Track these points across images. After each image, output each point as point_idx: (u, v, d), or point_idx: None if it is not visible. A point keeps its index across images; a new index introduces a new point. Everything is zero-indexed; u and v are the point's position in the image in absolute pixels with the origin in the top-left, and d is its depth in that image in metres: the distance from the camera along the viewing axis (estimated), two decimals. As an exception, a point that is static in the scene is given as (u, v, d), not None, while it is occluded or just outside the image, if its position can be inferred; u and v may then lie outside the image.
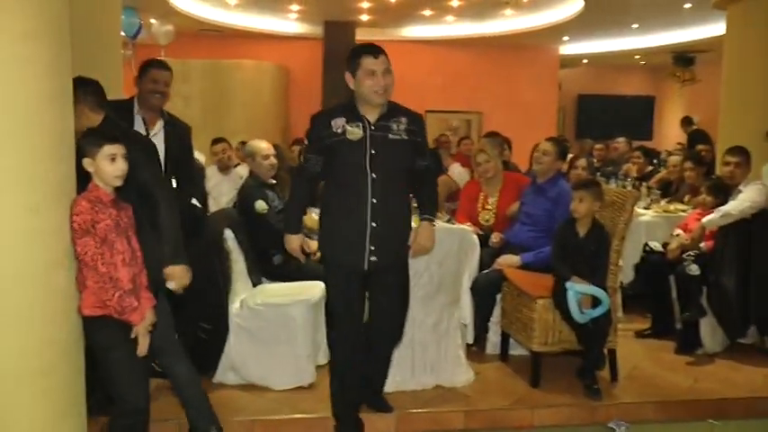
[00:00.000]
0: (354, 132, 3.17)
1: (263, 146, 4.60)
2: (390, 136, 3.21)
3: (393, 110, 3.27)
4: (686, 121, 12.27)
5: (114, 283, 2.69)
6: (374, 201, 3.20)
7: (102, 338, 2.79)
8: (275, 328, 3.87)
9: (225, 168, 6.69)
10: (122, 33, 9.17)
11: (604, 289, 3.85)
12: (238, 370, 3.94)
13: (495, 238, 4.83)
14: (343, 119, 3.20)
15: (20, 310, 2.55)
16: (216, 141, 6.82)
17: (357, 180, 3.21)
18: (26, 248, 2.55)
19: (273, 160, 4.60)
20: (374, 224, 3.20)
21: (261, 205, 4.39)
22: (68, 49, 2.76)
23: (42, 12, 2.55)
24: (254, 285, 4.22)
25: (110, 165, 2.75)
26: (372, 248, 3.21)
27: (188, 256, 3.04)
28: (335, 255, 3.31)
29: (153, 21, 9.70)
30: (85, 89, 3.15)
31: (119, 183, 2.79)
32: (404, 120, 3.25)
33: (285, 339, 3.86)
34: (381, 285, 3.34)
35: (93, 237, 2.66)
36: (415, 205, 3.59)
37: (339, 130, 3.19)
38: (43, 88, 2.57)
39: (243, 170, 6.26)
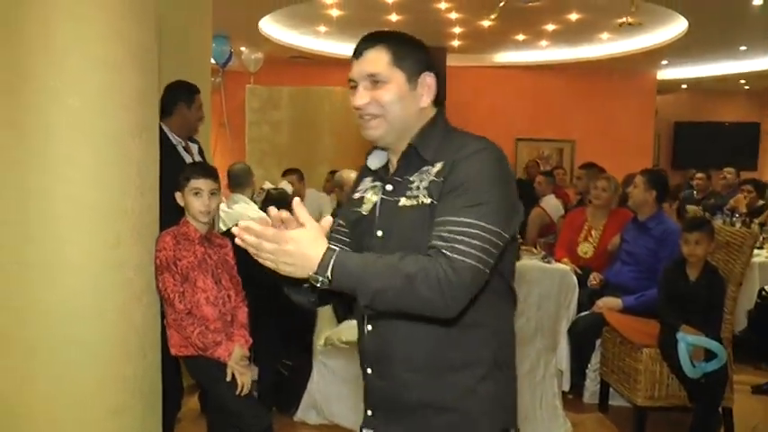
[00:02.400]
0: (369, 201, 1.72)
1: (353, 176, 4.46)
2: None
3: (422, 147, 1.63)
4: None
5: (194, 319, 2.62)
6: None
7: (202, 378, 2.82)
8: (359, 367, 3.68)
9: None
10: (213, 61, 9.37)
11: (719, 340, 3.50)
12: (321, 409, 3.79)
13: (594, 279, 4.52)
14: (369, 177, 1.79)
15: (97, 346, 2.48)
16: (287, 172, 6.65)
17: None
18: (105, 283, 2.47)
19: None
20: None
21: None
22: (156, 80, 2.70)
23: (131, 42, 2.48)
24: (340, 322, 4.06)
25: (195, 200, 2.69)
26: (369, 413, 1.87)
27: (271, 291, 2.92)
28: None
29: (243, 48, 9.83)
30: None
31: (204, 219, 2.74)
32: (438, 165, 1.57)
33: (352, 381, 3.68)
34: None
35: (172, 274, 2.59)
36: None
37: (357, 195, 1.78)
38: (130, 119, 2.50)
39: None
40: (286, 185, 5.38)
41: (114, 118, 2.44)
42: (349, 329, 3.90)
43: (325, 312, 3.97)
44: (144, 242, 2.59)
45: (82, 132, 2.37)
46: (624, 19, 6.37)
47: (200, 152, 3.73)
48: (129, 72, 2.46)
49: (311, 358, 3.79)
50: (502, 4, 5.26)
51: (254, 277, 3.00)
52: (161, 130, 3.48)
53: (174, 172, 2.83)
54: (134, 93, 2.50)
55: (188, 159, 3.56)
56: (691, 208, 6.81)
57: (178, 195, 2.73)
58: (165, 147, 3.45)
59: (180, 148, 3.55)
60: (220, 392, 2.76)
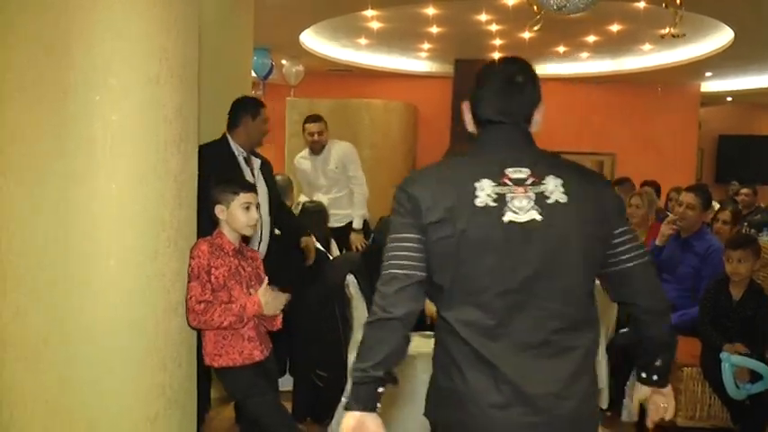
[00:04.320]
0: None
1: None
2: None
3: None
4: None
5: (211, 305, 2.61)
6: None
7: (235, 389, 2.82)
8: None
9: None
10: (253, 74, 9.48)
11: (765, 361, 3.41)
12: None
13: None
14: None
15: (134, 356, 2.51)
16: None
17: None
18: (143, 294, 2.50)
19: None
20: None
21: None
22: (195, 94, 2.74)
23: (172, 57, 2.52)
24: None
25: (244, 214, 2.72)
26: None
27: (308, 301, 2.95)
28: None
29: (284, 61, 9.93)
30: None
31: (250, 232, 2.80)
32: None
33: (406, 395, 3.65)
34: None
35: (202, 283, 2.61)
36: None
37: None
38: (170, 132, 2.54)
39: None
40: (322, 198, 5.42)
41: (154, 132, 2.48)
42: None
43: (361, 324, 3.97)
44: (181, 254, 2.62)
45: (122, 146, 2.42)
46: (667, 30, 6.27)
47: (263, 166, 3.81)
48: (169, 87, 2.51)
49: (345, 370, 3.79)
50: (539, 16, 5.22)
51: (290, 290, 3.04)
52: (226, 140, 3.66)
53: None
54: (174, 107, 2.54)
55: (246, 171, 3.65)
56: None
57: (218, 208, 2.75)
58: (226, 156, 3.60)
59: (240, 159, 3.66)
60: (253, 406, 2.77)
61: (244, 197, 2.75)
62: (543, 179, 1.67)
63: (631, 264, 1.74)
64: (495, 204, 1.64)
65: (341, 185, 5.58)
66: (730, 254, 3.59)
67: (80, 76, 2.38)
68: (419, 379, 3.62)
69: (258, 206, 2.84)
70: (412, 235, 1.68)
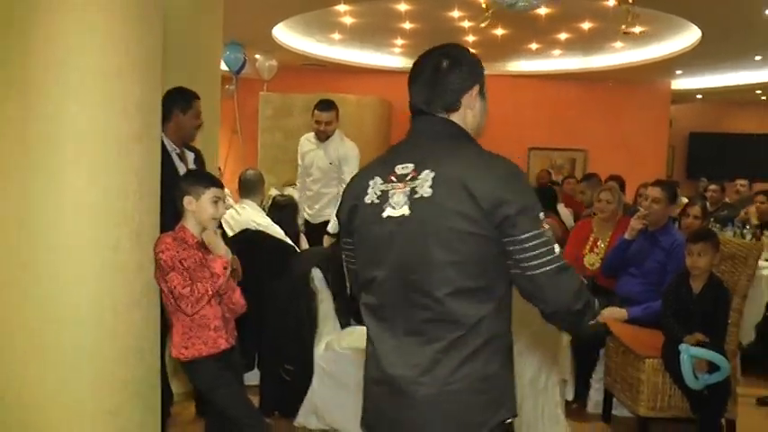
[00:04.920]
0: None
1: None
2: None
3: None
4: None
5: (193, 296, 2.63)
6: None
7: (201, 382, 2.81)
8: (360, 373, 3.67)
9: None
10: (226, 68, 9.44)
11: (722, 353, 3.47)
12: (321, 415, 3.79)
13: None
14: None
15: (95, 349, 2.51)
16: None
17: None
18: (104, 286, 2.51)
19: None
20: None
21: None
22: (158, 87, 2.74)
23: (133, 50, 2.52)
24: (343, 327, 4.07)
25: (213, 207, 2.76)
26: None
27: (275, 295, 2.95)
28: None
29: (257, 56, 9.90)
30: None
31: (214, 225, 2.80)
32: None
33: (351, 387, 3.69)
34: None
35: (179, 272, 2.63)
36: None
37: None
38: (132, 126, 2.54)
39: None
40: (293, 192, 5.40)
41: (114, 125, 2.48)
42: (351, 335, 3.93)
43: (327, 318, 3.98)
44: (143, 246, 2.62)
45: (83, 139, 2.42)
46: (623, 27, 6.46)
47: (197, 161, 3.67)
48: (130, 80, 2.51)
49: (312, 363, 3.80)
50: (487, 13, 5.30)
51: (258, 284, 3.05)
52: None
53: (164, 178, 2.85)
54: (135, 100, 2.54)
55: (181, 167, 3.53)
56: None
57: (187, 200, 2.76)
58: (162, 153, 3.48)
59: (174, 156, 3.51)
60: (219, 398, 2.78)
61: (215, 191, 2.78)
62: (420, 173, 1.66)
63: (536, 272, 1.60)
64: (378, 201, 1.70)
65: (329, 183, 5.37)
66: (691, 247, 3.65)
67: (41, 69, 2.38)
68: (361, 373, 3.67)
69: (225, 202, 2.86)
70: (346, 236, 1.85)
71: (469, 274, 1.63)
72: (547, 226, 1.63)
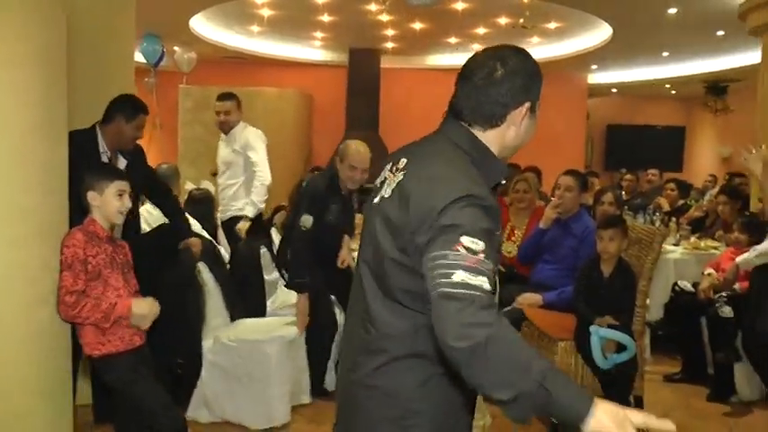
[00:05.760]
0: None
1: (364, 154, 4.03)
2: None
3: None
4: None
5: (82, 297, 2.56)
6: None
7: (118, 376, 2.74)
8: (249, 365, 3.73)
9: None
10: (144, 60, 9.22)
11: (630, 333, 3.62)
12: (212, 407, 3.78)
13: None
14: None
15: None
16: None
17: None
18: (6, 284, 2.42)
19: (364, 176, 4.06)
20: None
21: (306, 221, 3.92)
22: (63, 77, 2.65)
23: (34, 38, 2.44)
24: (233, 320, 4.06)
25: (117, 200, 2.71)
26: None
27: (165, 288, 2.93)
28: None
29: (176, 48, 9.70)
30: None
31: (120, 219, 2.78)
32: None
33: (259, 377, 3.72)
34: None
35: (74, 272, 2.55)
36: None
37: None
38: (34, 117, 2.46)
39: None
40: (209, 185, 5.31)
41: (15, 116, 2.39)
42: (238, 328, 3.95)
43: (215, 310, 3.95)
44: (50, 242, 2.54)
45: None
46: (521, 21, 6.82)
47: (130, 167, 3.51)
48: (31, 70, 2.42)
49: (201, 356, 3.77)
50: (387, 3, 5.40)
51: (151, 278, 3.01)
52: (95, 134, 3.44)
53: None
54: (38, 91, 2.46)
55: None
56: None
57: (91, 195, 2.69)
58: (91, 150, 3.39)
59: (104, 157, 3.45)
60: (137, 391, 2.74)
61: (118, 184, 2.73)
62: (403, 170, 1.60)
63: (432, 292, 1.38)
64: (378, 186, 1.67)
65: (235, 172, 5.18)
66: (601, 233, 3.78)
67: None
68: (271, 360, 3.70)
69: (131, 194, 2.80)
70: None
71: (399, 282, 1.55)
72: (462, 250, 1.36)
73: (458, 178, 1.48)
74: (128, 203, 2.77)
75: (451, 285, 1.33)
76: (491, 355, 1.28)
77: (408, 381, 1.58)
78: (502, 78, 1.57)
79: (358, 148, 4.01)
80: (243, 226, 4.92)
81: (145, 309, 2.72)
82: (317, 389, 4.10)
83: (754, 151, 3.73)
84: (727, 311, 4.29)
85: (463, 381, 1.35)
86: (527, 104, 1.60)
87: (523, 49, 1.66)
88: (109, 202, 2.70)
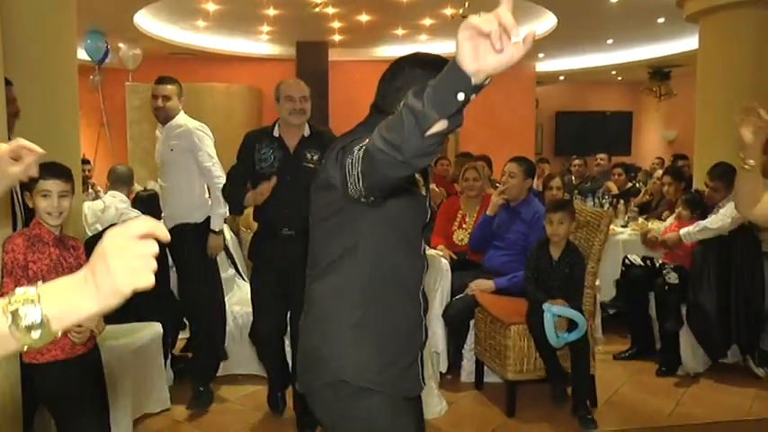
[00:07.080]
0: None
1: (296, 83, 3.90)
2: None
3: None
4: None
5: None
6: None
7: (53, 387, 2.60)
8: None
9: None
10: (88, 58, 9.03)
11: (581, 313, 3.70)
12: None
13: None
14: None
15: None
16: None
17: None
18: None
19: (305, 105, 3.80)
20: None
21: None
22: (-1, 75, 2.59)
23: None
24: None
25: (42, 201, 2.58)
26: None
27: None
28: None
29: (121, 45, 9.52)
30: None
31: (53, 222, 2.60)
32: None
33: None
34: None
35: (15, 279, 2.47)
36: None
37: None
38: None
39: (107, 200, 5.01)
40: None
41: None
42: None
43: None
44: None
45: None
46: (461, 10, 7.01)
47: None
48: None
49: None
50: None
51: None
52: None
53: None
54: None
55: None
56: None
57: (27, 196, 2.62)
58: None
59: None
60: (66, 412, 2.64)
61: (42, 185, 2.57)
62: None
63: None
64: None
65: (173, 174, 4.19)
66: (551, 216, 3.86)
67: None
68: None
69: (68, 194, 2.64)
70: None
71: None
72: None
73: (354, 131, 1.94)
74: (56, 204, 2.59)
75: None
76: (372, 149, 1.46)
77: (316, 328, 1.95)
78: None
79: (289, 80, 3.92)
80: (214, 243, 4.12)
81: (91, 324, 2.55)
82: None
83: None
84: (673, 278, 4.46)
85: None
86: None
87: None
88: (36, 203, 2.59)
